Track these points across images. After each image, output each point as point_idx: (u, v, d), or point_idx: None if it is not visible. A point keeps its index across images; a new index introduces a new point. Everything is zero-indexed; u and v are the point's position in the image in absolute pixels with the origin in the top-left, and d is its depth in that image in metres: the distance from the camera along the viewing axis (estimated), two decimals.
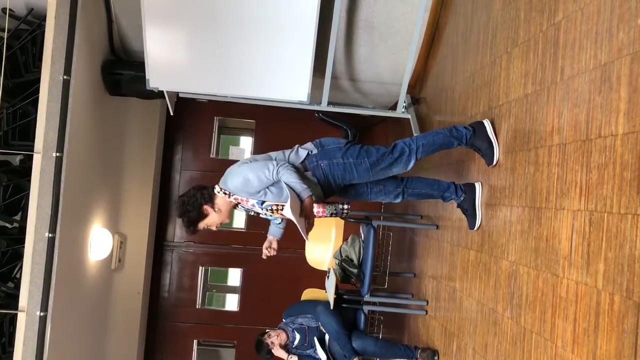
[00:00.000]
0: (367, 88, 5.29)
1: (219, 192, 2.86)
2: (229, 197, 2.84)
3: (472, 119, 3.33)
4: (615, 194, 1.82)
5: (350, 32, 4.58)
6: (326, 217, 2.97)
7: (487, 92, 3.11)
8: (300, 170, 2.84)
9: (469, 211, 3.09)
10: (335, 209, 2.95)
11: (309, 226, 2.77)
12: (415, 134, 4.63)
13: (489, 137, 2.92)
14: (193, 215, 2.87)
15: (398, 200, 3.15)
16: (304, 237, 2.77)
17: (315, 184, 2.87)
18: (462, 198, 3.10)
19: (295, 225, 2.70)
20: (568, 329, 2.03)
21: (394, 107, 5.04)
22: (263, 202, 2.81)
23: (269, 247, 3.08)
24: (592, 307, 1.89)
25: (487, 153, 2.93)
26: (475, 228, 3.08)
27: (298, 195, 2.72)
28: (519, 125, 2.63)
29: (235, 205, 2.93)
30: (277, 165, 2.74)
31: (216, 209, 2.88)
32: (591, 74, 2.02)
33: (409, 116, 4.87)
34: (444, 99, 4.08)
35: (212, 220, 2.91)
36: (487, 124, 2.94)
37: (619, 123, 1.83)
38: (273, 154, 2.93)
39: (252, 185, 2.77)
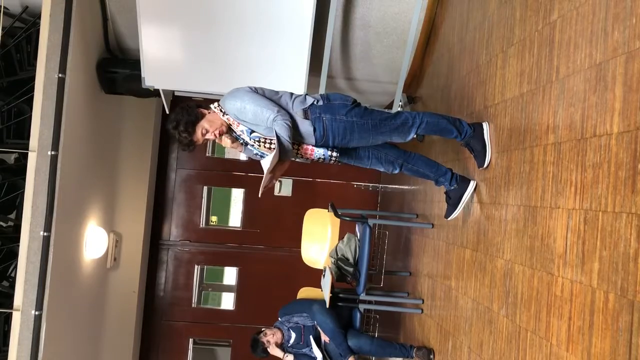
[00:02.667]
0: (363, 87, 5.29)
1: (215, 108, 2.83)
2: (223, 115, 2.81)
3: (468, 118, 3.34)
4: (610, 193, 1.82)
5: (346, 31, 4.58)
6: (313, 159, 2.91)
7: (482, 91, 3.12)
8: (297, 124, 2.79)
9: (452, 201, 3.15)
10: (324, 155, 2.89)
11: (270, 185, 2.77)
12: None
13: (484, 140, 2.94)
14: (190, 118, 2.77)
15: (395, 171, 3.16)
16: (259, 191, 2.72)
17: (308, 136, 2.82)
18: (453, 187, 3.15)
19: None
20: (563, 327, 2.04)
21: (390, 106, 5.04)
22: (252, 132, 2.80)
23: (228, 142, 2.93)
24: (587, 306, 1.90)
25: (479, 155, 2.96)
26: (450, 218, 3.19)
27: (282, 152, 2.69)
28: (515, 124, 2.63)
29: (228, 128, 2.86)
30: (277, 114, 2.70)
31: (211, 112, 2.82)
32: (586, 73, 2.03)
33: None
34: (440, 98, 4.08)
35: (208, 121, 2.79)
36: (485, 127, 2.96)
37: (614, 122, 1.83)
38: (280, 91, 2.88)
39: (246, 115, 2.75)
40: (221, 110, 2.81)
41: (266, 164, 2.65)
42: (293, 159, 2.84)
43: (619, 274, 1.74)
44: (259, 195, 2.75)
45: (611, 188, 1.82)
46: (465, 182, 3.12)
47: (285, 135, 2.67)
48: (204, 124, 2.79)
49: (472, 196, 3.10)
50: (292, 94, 2.88)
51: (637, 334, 1.63)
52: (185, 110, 2.80)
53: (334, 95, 2.91)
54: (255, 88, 2.83)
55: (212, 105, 2.84)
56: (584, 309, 1.91)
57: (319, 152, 2.87)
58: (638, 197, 1.68)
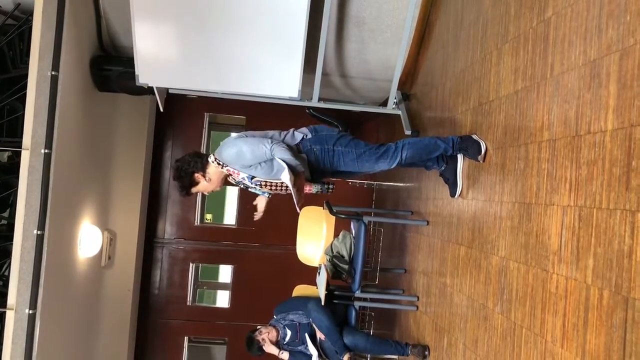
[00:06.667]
0: (358, 84, 5.28)
1: (213, 162, 2.98)
2: (221, 167, 2.97)
3: (462, 115, 3.35)
4: (604, 190, 1.83)
5: (340, 28, 4.57)
6: (313, 193, 3.17)
7: (477, 88, 3.12)
8: (294, 150, 2.99)
9: (451, 180, 3.26)
10: (321, 188, 3.14)
11: (301, 199, 2.99)
12: (405, 130, 4.65)
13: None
14: (185, 182, 3.01)
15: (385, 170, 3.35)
16: (297, 207, 2.98)
17: (305, 163, 3.03)
18: (443, 167, 3.30)
19: (293, 201, 2.96)
20: (558, 324, 2.05)
21: (384, 104, 5.04)
22: (253, 177, 2.97)
23: (258, 211, 3.24)
24: (582, 302, 1.90)
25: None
26: (456, 196, 3.24)
27: (293, 169, 2.90)
28: (509, 121, 2.64)
29: (228, 176, 3.06)
30: (272, 143, 2.88)
31: (207, 178, 3.01)
32: (581, 70, 2.03)
33: (399, 112, 4.87)
34: (435, 95, 4.08)
35: (203, 187, 3.05)
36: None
37: (608, 119, 1.84)
38: (270, 132, 3.06)
39: (245, 158, 2.90)
40: (219, 163, 2.96)
41: (286, 178, 2.84)
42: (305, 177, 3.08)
43: (613, 270, 1.74)
44: (298, 210, 3.04)
45: (605, 185, 1.82)
46: (452, 157, 3.23)
47: (287, 156, 2.87)
48: (198, 188, 3.05)
49: (466, 167, 3.18)
50: (280, 132, 3.09)
51: (631, 331, 1.64)
52: (183, 172, 3.00)
53: (321, 127, 3.15)
54: (245, 134, 3.04)
55: (209, 159, 2.99)
56: (578, 306, 1.92)
57: (316, 187, 3.13)
58: (632, 193, 1.68)
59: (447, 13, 3.93)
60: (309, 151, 3.03)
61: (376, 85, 5.23)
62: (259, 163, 2.91)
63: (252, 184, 3.01)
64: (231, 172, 2.98)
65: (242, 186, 3.12)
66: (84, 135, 4.67)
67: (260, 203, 3.22)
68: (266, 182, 2.97)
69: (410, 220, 4.46)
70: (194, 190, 3.06)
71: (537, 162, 2.32)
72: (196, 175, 2.99)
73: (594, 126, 1.91)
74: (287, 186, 2.92)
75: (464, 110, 3.32)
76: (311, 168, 3.06)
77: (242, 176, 2.97)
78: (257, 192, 3.16)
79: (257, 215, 3.24)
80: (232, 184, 3.21)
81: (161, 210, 6.73)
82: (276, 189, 3.00)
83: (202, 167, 2.98)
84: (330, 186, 3.14)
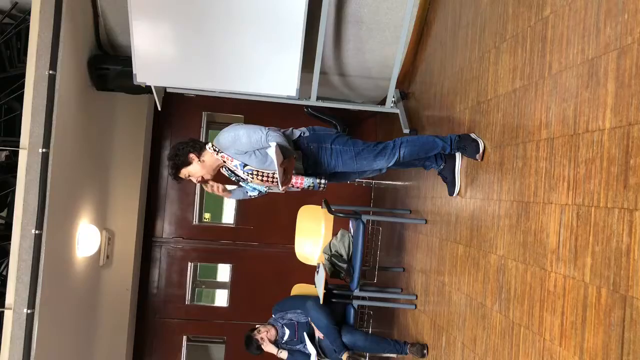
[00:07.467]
0: (356, 83, 5.28)
1: (209, 148, 3.00)
2: (217, 153, 2.98)
3: (460, 114, 3.35)
4: (602, 188, 1.83)
5: (338, 27, 4.57)
6: (303, 188, 3.13)
7: (475, 87, 3.12)
8: (291, 141, 2.98)
9: (449, 179, 3.28)
10: (313, 183, 3.10)
11: (287, 181, 2.92)
12: (403, 129, 4.66)
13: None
14: (179, 161, 3.00)
15: (384, 171, 3.34)
16: (279, 188, 2.91)
17: (300, 159, 3.03)
18: (442, 166, 3.32)
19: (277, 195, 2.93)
20: (556, 323, 2.05)
21: (382, 102, 5.04)
22: (245, 166, 2.96)
23: (217, 187, 3.09)
24: (580, 301, 1.90)
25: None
26: (454, 194, 3.27)
27: (284, 152, 2.87)
28: (507, 120, 2.64)
29: (222, 166, 3.07)
30: (268, 130, 2.88)
31: (201, 160, 3.00)
32: (578, 69, 2.03)
33: (397, 111, 4.87)
34: (433, 93, 4.08)
35: (194, 169, 3.01)
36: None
37: (606, 118, 1.84)
38: (270, 127, 3.05)
39: (241, 142, 2.89)
40: (215, 150, 2.97)
41: (272, 153, 2.79)
42: (296, 171, 3.05)
43: (611, 269, 1.74)
44: (280, 190, 2.95)
45: (603, 183, 1.82)
46: (451, 156, 3.24)
47: (281, 140, 2.85)
48: (189, 169, 3.01)
49: (465, 166, 3.19)
50: (278, 128, 3.07)
51: (629, 329, 1.64)
52: (180, 151, 2.99)
53: (319, 128, 3.15)
54: (244, 124, 3.02)
55: (207, 146, 3.01)
56: (576, 304, 1.92)
57: (308, 181, 3.09)
58: (630, 192, 1.68)
59: (445, 12, 3.93)
60: (305, 149, 3.03)
61: (374, 83, 5.23)
62: (254, 151, 2.91)
63: (244, 172, 2.98)
64: (225, 159, 2.98)
65: (234, 179, 3.10)
66: (81, 134, 4.66)
67: (225, 192, 3.12)
68: (258, 171, 2.95)
69: (408, 219, 4.46)
70: (184, 171, 3.01)
71: (535, 160, 2.32)
72: (191, 155, 2.99)
73: (592, 125, 1.91)
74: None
75: (462, 109, 3.32)
76: (307, 168, 3.05)
77: (235, 163, 2.96)
78: (246, 186, 3.14)
79: (212, 187, 3.09)
80: (225, 178, 3.18)
81: (159, 209, 6.73)
82: (267, 180, 2.97)
83: (200, 150, 3.00)
84: (323, 181, 3.09)
